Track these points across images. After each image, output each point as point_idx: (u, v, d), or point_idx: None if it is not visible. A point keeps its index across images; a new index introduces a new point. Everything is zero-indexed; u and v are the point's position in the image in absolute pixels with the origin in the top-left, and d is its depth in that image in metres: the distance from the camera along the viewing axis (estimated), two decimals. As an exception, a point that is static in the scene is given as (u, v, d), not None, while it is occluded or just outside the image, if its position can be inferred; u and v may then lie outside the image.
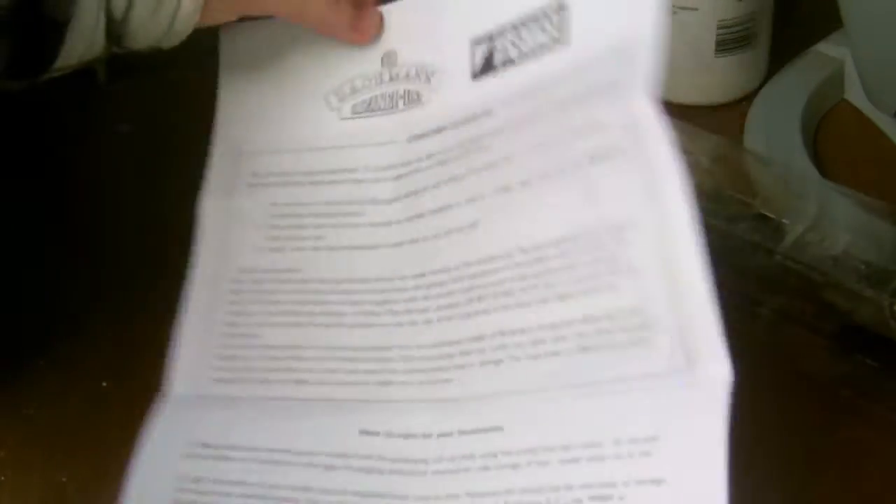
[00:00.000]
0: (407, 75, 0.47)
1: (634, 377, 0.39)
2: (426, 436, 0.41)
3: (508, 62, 0.45)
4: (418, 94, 0.47)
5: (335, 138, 0.48)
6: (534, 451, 0.39)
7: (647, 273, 0.39)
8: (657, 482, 0.37)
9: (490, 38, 0.46)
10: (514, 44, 0.45)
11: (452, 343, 0.43)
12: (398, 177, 0.46)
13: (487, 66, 0.46)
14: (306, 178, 0.47)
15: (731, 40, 0.62)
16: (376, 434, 0.42)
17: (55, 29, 0.41)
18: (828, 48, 0.65)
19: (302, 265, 0.46)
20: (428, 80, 0.47)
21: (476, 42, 0.46)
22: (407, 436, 0.42)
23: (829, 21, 0.61)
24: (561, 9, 0.44)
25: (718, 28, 0.62)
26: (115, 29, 0.43)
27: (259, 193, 0.47)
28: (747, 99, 0.64)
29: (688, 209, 0.39)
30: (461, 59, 0.46)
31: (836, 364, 0.49)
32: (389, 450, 0.41)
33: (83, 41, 0.42)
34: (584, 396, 0.39)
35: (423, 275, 0.44)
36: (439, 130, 0.46)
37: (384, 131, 0.47)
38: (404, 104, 0.47)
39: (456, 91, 0.46)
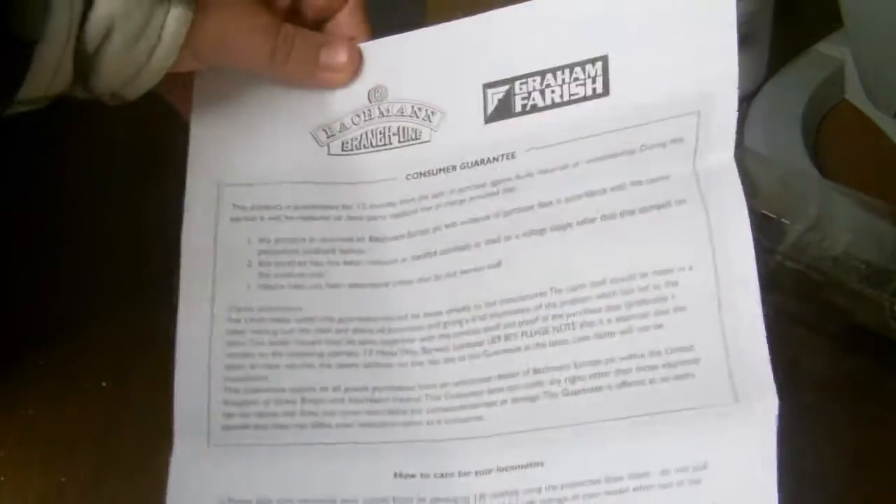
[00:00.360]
0: (401, 112, 0.46)
1: (678, 410, 0.39)
2: (463, 474, 0.41)
3: (532, 108, 0.44)
4: (416, 132, 0.46)
5: (325, 174, 0.46)
6: (579, 484, 0.39)
7: (698, 313, 0.40)
8: None
9: (509, 82, 0.45)
10: (540, 92, 0.44)
11: (479, 381, 0.42)
12: (399, 214, 0.45)
13: (503, 111, 0.45)
14: (296, 213, 0.46)
15: (731, 40, 0.62)
16: (412, 476, 0.41)
17: (22, 49, 0.40)
18: (828, 48, 0.65)
19: (302, 303, 0.44)
20: (429, 118, 0.46)
21: (490, 86, 0.45)
22: (443, 475, 0.41)
23: (829, 21, 0.61)
24: (604, 63, 0.43)
25: (718, 28, 0.62)
26: (84, 62, 0.41)
27: (245, 228, 0.45)
28: (747, 99, 0.64)
29: (750, 255, 0.40)
30: (471, 102, 0.45)
31: (836, 364, 0.49)
32: (428, 490, 0.41)
33: (51, 67, 0.41)
34: (626, 429, 0.40)
35: (439, 313, 0.44)
36: (448, 170, 0.45)
37: (379, 168, 0.46)
38: (399, 141, 0.46)
39: (465, 132, 0.45)
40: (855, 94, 0.63)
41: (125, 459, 0.49)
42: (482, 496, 0.40)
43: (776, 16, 0.64)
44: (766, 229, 0.50)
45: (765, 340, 0.39)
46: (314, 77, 0.46)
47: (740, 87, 0.64)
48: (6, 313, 0.54)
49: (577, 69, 0.43)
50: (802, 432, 0.47)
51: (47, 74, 0.41)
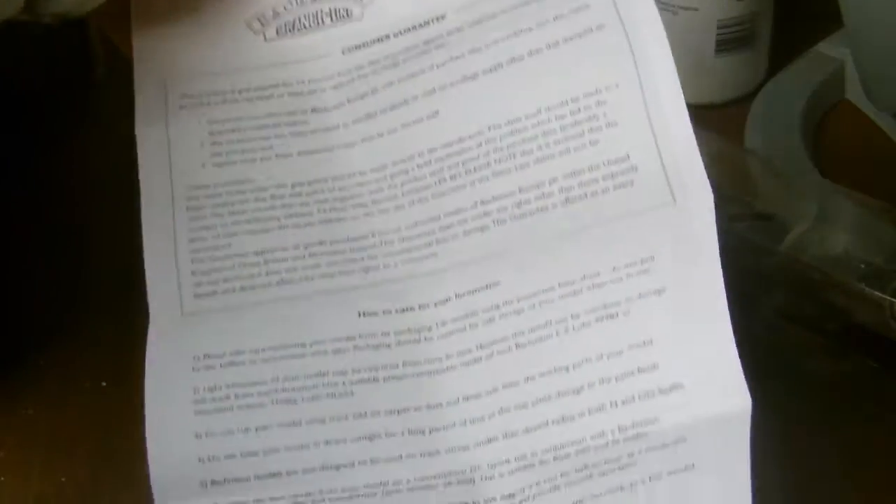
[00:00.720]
0: None
1: (622, 216, 0.42)
2: (423, 306, 0.43)
3: None
4: (348, 11, 0.48)
5: (264, 58, 0.49)
6: (534, 294, 0.42)
7: (629, 125, 0.43)
8: (659, 292, 0.41)
9: None
10: None
11: (430, 220, 0.45)
12: (337, 86, 0.48)
13: None
14: (241, 96, 0.48)
15: (731, 40, 0.62)
16: (375, 314, 0.43)
17: None
18: (828, 48, 0.65)
19: (254, 175, 0.47)
20: None
21: None
22: (404, 310, 0.43)
23: (829, 21, 0.61)
24: None
25: (718, 28, 0.62)
26: None
27: (193, 113, 0.48)
28: (747, 99, 0.64)
29: (671, 67, 0.43)
30: None
31: (836, 364, 0.49)
32: (391, 325, 0.43)
33: None
34: (575, 240, 0.42)
35: (384, 167, 0.46)
36: (381, 39, 0.48)
37: (314, 47, 0.48)
38: (332, 20, 0.48)
39: (396, 4, 0.48)
40: (855, 94, 0.63)
41: (125, 459, 0.49)
42: (443, 322, 0.43)
43: (776, 16, 0.64)
44: (766, 229, 0.50)
45: (695, 144, 0.42)
46: None
47: (740, 86, 0.64)
48: (6, 313, 0.54)
49: None
50: (802, 432, 0.47)
51: None
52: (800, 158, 0.58)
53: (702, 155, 0.53)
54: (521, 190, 0.44)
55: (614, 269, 0.41)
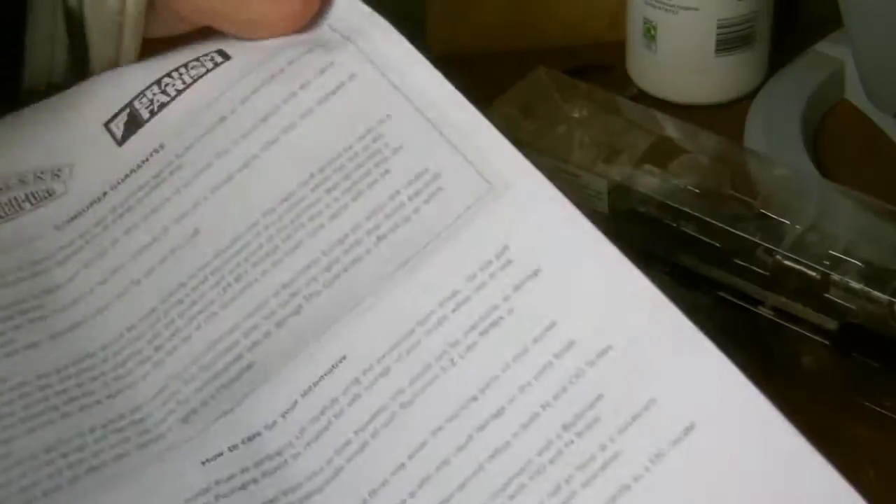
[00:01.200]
0: (23, 181, 0.44)
1: (447, 225, 0.39)
2: (270, 426, 0.37)
3: (161, 107, 0.44)
4: (48, 191, 0.44)
5: None
6: (394, 346, 0.37)
7: (415, 142, 0.40)
8: (536, 272, 0.37)
9: (127, 106, 0.44)
10: (163, 92, 0.44)
11: (227, 334, 0.39)
12: (62, 261, 0.43)
13: (133, 127, 0.44)
14: None
15: (731, 40, 0.62)
16: (220, 455, 0.37)
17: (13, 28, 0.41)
18: (828, 48, 0.65)
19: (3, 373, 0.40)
20: (57, 176, 0.44)
21: (110, 121, 0.44)
22: (251, 438, 0.37)
23: (829, 21, 0.61)
24: (221, 52, 0.44)
25: (718, 28, 0.62)
26: (73, 22, 0.42)
27: None
28: (747, 99, 0.64)
29: (435, 73, 0.41)
30: (98, 142, 0.44)
31: (836, 364, 0.49)
32: (246, 459, 0.37)
33: (42, 43, 0.41)
34: (409, 271, 0.39)
35: (153, 310, 0.41)
36: (97, 200, 0.43)
37: (21, 231, 0.43)
38: (31, 205, 0.44)
39: (103, 165, 0.44)
40: (855, 94, 0.63)
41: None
42: (301, 431, 0.37)
43: (776, 16, 0.64)
44: (765, 229, 0.50)
45: (499, 133, 0.39)
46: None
47: (740, 86, 0.65)
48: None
49: (194, 63, 0.44)
50: (801, 432, 0.47)
51: (44, 43, 0.42)
52: (800, 158, 0.59)
53: (702, 155, 0.53)
54: (324, 252, 0.40)
55: (470, 277, 0.37)
